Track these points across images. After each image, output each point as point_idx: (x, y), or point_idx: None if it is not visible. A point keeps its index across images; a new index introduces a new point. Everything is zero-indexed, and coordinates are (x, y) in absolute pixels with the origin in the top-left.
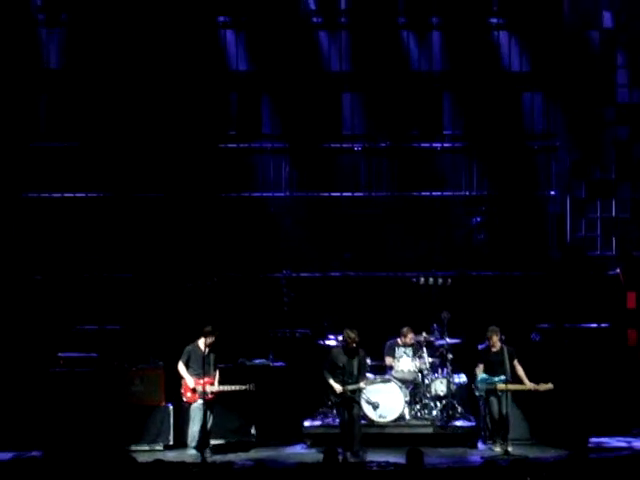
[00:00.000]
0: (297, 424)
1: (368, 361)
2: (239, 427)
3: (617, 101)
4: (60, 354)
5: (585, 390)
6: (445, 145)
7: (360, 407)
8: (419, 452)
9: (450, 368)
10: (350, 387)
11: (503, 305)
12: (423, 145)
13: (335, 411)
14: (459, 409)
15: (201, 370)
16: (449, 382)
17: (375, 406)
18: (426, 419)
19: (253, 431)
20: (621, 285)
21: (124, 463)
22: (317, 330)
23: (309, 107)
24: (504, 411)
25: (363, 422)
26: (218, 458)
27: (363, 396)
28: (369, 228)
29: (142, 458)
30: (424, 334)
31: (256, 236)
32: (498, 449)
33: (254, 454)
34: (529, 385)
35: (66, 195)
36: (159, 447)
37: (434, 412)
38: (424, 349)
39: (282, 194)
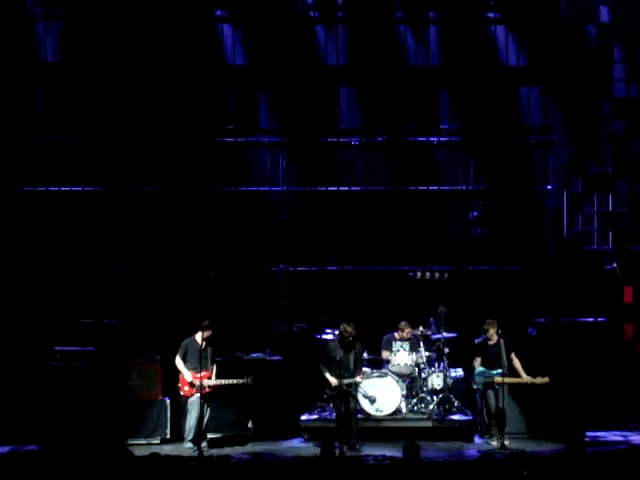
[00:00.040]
0: (294, 418)
1: (365, 355)
2: (236, 421)
3: (614, 95)
4: (57, 348)
5: (582, 384)
6: (442, 139)
7: (357, 401)
8: (416, 446)
9: (447, 362)
10: (346, 381)
11: (500, 299)
12: (420, 139)
13: (332, 405)
14: (456, 403)
15: (198, 364)
16: (446, 376)
17: (372, 400)
18: (423, 413)
19: (250, 425)
20: (618, 279)
21: (121, 457)
22: (314, 324)
23: (306, 101)
24: (501, 405)
25: (360, 416)
26: (215, 452)
27: (360, 390)
28: (366, 222)
29: (139, 452)
30: (421, 328)
31: (253, 230)
32: (495, 443)
33: (251, 448)
34: (526, 378)
35: (63, 189)
36: (156, 441)
37: (431, 406)
38: (421, 343)
39: (279, 188)
